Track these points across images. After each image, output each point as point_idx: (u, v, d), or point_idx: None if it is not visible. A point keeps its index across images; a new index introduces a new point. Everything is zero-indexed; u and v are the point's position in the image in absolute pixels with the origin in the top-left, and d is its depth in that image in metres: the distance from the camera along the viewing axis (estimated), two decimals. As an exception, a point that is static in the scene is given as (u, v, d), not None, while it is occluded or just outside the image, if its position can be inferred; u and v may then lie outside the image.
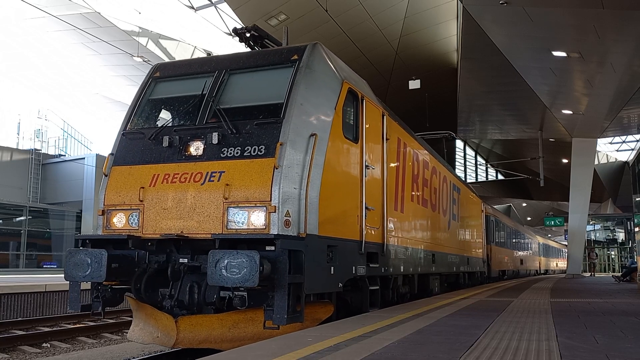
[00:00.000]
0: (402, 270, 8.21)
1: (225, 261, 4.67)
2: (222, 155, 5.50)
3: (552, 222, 38.77)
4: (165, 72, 6.70)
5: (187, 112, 6.07)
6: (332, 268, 5.76)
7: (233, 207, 5.24)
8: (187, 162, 5.62)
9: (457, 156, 44.71)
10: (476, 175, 46.88)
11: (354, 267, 6.31)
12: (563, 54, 15.87)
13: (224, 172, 5.39)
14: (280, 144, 5.27)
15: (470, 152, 46.41)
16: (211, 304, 5.33)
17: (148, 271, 5.41)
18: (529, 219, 56.55)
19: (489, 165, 45.31)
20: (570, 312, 6.60)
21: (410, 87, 20.61)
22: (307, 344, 3.82)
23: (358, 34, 21.78)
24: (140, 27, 23.38)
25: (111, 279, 5.39)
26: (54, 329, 9.85)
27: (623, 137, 32.87)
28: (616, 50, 15.06)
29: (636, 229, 19.20)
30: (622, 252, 46.98)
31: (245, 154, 5.41)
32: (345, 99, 6.30)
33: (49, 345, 8.77)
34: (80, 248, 5.54)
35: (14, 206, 28.13)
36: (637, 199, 17.95)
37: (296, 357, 3.35)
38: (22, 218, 28.28)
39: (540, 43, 15.45)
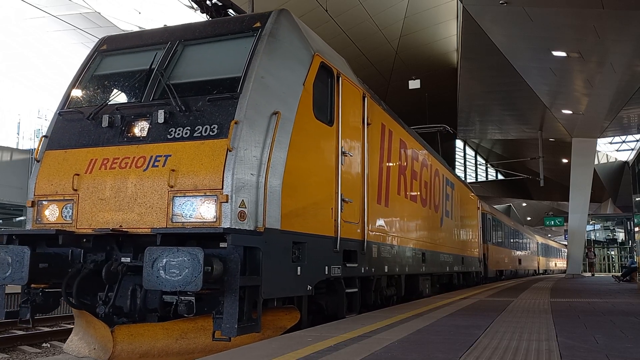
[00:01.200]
0: (386, 270, 7.46)
1: (164, 260, 3.98)
2: (168, 136, 4.77)
3: (552, 222, 38.78)
4: (113, 45, 5.92)
5: (132, 88, 5.33)
6: (298, 268, 5.05)
7: (179, 196, 4.52)
8: (129, 144, 4.88)
9: (457, 156, 44.73)
10: (476, 175, 46.90)
11: (327, 267, 5.59)
12: (563, 54, 15.88)
13: (170, 155, 4.67)
14: (235, 123, 4.54)
15: (470, 152, 46.42)
16: (154, 310, 4.60)
17: (82, 272, 4.65)
18: (529, 219, 56.52)
19: (489, 165, 45.32)
20: (570, 312, 6.60)
21: (410, 87, 20.63)
22: (307, 344, 3.82)
23: (358, 34, 21.79)
24: (140, 27, 23.39)
25: (41, 281, 4.74)
26: (54, 329, 9.85)
27: (623, 137, 32.87)
28: (616, 50, 15.06)
29: (636, 229, 19.21)
30: (622, 252, 46.98)
31: (195, 134, 4.68)
32: (317, 74, 5.58)
33: (49, 345, 8.76)
34: (3, 245, 4.76)
35: (14, 206, 28.15)
36: (637, 199, 17.96)
37: (296, 357, 3.35)
38: (22, 218, 28.30)
39: (540, 43, 15.45)
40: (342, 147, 6.02)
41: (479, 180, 46.03)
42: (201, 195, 4.47)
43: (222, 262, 4.12)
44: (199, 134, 4.67)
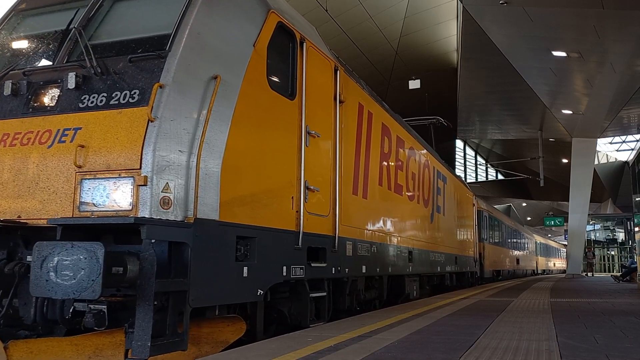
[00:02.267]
0: (364, 271, 6.52)
1: (55, 259, 3.15)
2: (80, 105, 3.89)
3: (552, 222, 38.78)
4: (33, 3, 5.10)
5: (46, 51, 4.50)
6: (245, 269, 4.16)
7: (89, 179, 3.62)
8: (34, 116, 4.01)
9: (457, 156, 44.76)
10: (476, 175, 46.93)
11: (285, 268, 4.72)
12: (563, 54, 15.89)
13: (80, 129, 3.78)
14: (160, 87, 3.68)
15: (470, 152, 46.46)
16: (62, 321, 3.72)
17: None
18: (529, 219, 56.57)
19: (489, 165, 45.34)
20: (570, 312, 6.60)
21: (410, 87, 20.65)
22: (307, 344, 3.82)
23: (358, 34, 21.81)
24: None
25: None
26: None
27: (623, 137, 32.93)
28: (616, 50, 15.07)
29: (636, 229, 19.20)
30: (622, 252, 46.99)
31: (112, 102, 3.80)
32: (274, 36, 4.71)
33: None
34: None
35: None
36: (637, 199, 17.96)
37: (296, 357, 3.34)
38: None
39: (540, 43, 15.46)
40: (306, 126, 5.09)
41: (479, 180, 46.06)
42: (115, 178, 3.56)
43: (140, 261, 3.35)
44: (116, 102, 3.79)
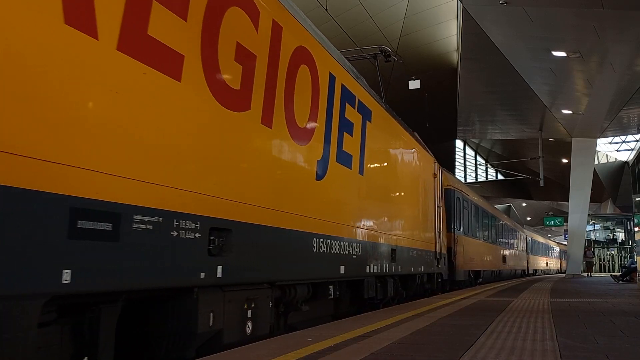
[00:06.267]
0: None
1: None
2: None
3: (552, 222, 38.81)
4: None
5: None
6: None
7: None
8: None
9: (457, 156, 44.78)
10: (476, 175, 46.94)
11: None
12: (563, 54, 15.90)
13: None
14: None
15: (470, 152, 46.48)
16: None
17: None
18: (529, 218, 56.61)
19: (489, 165, 45.35)
20: (570, 312, 6.60)
21: (410, 87, 20.62)
22: (307, 344, 3.82)
23: (358, 34, 21.80)
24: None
25: None
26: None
27: (623, 137, 32.93)
28: (616, 50, 15.08)
29: (636, 229, 19.22)
30: (622, 252, 46.99)
31: None
32: None
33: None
34: None
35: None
36: (637, 199, 17.97)
37: (296, 357, 3.34)
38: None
39: (540, 43, 15.47)
40: None
41: (479, 180, 46.07)
42: None
43: None
44: None
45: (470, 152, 46.42)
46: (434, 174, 11.49)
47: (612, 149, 36.67)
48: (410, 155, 9.70)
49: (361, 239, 6.76)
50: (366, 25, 21.95)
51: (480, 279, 17.71)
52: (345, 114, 6.34)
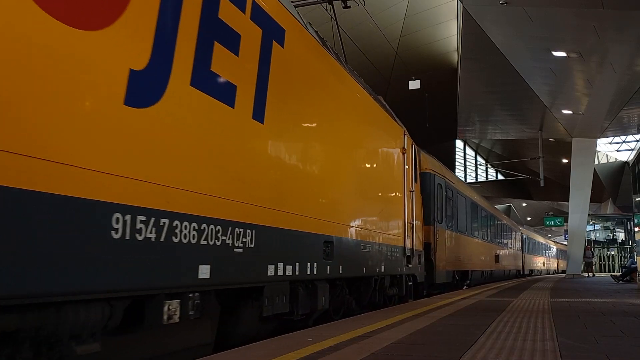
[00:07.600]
0: None
1: None
2: None
3: (552, 222, 38.78)
4: None
5: None
6: None
7: None
8: None
9: (457, 156, 44.79)
10: (476, 175, 46.95)
11: None
12: (563, 54, 15.91)
13: None
14: None
15: (470, 152, 46.49)
16: None
17: None
18: (529, 219, 56.63)
19: (489, 165, 45.36)
20: (570, 312, 6.60)
21: (410, 87, 20.63)
22: (307, 344, 3.82)
23: (358, 34, 21.80)
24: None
25: None
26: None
27: (623, 137, 32.95)
28: (616, 50, 15.08)
29: (636, 229, 19.21)
30: (622, 252, 47.00)
31: None
32: None
33: (48, 345, 8.75)
34: None
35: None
36: (637, 199, 17.96)
37: (296, 357, 3.34)
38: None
39: (540, 43, 15.48)
40: None
41: (479, 180, 46.09)
42: None
43: None
44: None
45: (470, 152, 46.44)
46: (403, 147, 8.94)
47: (612, 149, 36.72)
48: (362, 112, 7.14)
49: (260, 224, 4.27)
50: (366, 26, 21.95)
51: (468, 281, 15.20)
52: (218, 13, 3.85)
